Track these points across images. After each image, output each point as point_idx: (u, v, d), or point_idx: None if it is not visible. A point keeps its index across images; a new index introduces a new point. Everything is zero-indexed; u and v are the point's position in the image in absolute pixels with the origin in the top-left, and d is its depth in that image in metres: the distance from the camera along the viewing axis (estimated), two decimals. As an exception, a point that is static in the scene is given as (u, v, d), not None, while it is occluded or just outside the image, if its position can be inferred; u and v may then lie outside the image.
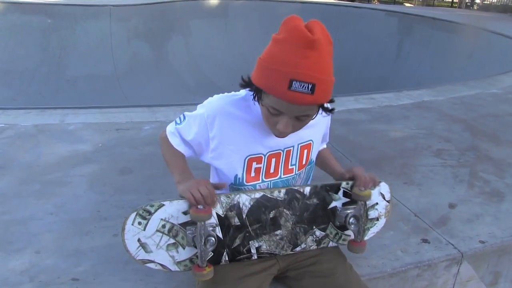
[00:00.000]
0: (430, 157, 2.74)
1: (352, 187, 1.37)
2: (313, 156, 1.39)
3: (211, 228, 1.22)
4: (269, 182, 1.32)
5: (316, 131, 1.37)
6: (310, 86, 1.02)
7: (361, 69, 9.73)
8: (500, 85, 4.76)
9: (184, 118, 1.33)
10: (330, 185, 1.37)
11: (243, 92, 1.28)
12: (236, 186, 1.31)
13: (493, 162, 2.68)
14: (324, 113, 1.18)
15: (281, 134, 1.16)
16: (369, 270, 1.62)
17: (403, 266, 1.66)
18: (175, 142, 1.34)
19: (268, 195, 1.29)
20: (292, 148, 1.31)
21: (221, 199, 1.25)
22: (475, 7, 18.35)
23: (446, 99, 4.14)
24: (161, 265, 1.25)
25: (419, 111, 3.77)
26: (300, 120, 1.12)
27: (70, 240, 1.75)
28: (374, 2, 20.94)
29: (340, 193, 1.38)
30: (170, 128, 1.37)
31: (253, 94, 1.15)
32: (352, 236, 1.40)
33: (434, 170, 2.53)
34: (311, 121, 1.30)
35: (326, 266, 1.35)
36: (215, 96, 1.30)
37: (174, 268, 1.26)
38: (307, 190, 1.34)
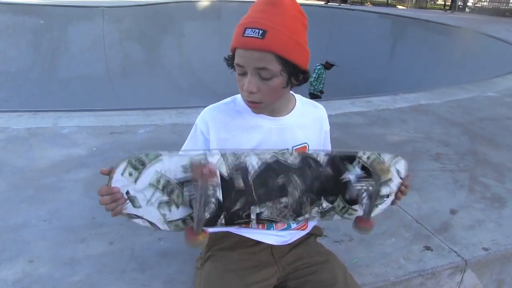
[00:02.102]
0: (429, 161, 2.73)
1: (372, 162, 1.30)
2: None
3: (211, 189, 1.10)
4: None
5: (311, 133, 1.33)
6: (260, 32, 1.07)
7: (354, 71, 9.78)
8: (496, 88, 4.78)
9: None
10: (346, 154, 1.27)
11: (230, 98, 1.28)
12: None
13: (493, 166, 2.67)
14: (294, 80, 1.16)
15: (248, 97, 1.14)
16: (372, 279, 1.59)
17: (406, 275, 1.64)
18: None
19: (281, 160, 1.18)
20: (286, 151, 1.27)
21: (228, 158, 1.13)
22: (467, 9, 18.52)
23: (443, 102, 4.14)
24: (150, 222, 1.10)
25: (416, 114, 3.76)
26: (264, 80, 1.11)
27: (64, 248, 1.70)
28: (367, 5, 21.06)
29: (357, 165, 1.29)
30: None
31: (231, 66, 1.18)
32: (360, 213, 1.31)
33: (433, 175, 2.51)
34: (305, 121, 1.30)
35: (327, 276, 1.32)
36: (204, 110, 1.29)
37: (163, 227, 1.10)
38: (322, 158, 1.24)
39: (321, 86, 8.76)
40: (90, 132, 3.01)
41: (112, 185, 1.03)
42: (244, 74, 1.13)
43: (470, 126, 3.45)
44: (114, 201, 1.03)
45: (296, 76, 1.15)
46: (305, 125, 1.31)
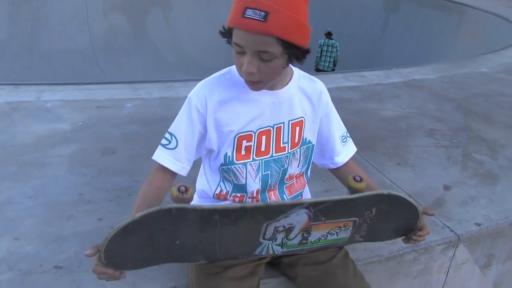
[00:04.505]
0: (423, 137, 2.71)
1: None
2: (307, 135, 1.31)
3: None
4: (260, 161, 1.26)
5: (308, 107, 1.29)
6: (263, 14, 1.00)
7: (346, 45, 9.68)
8: (490, 64, 4.76)
9: (171, 135, 1.23)
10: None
11: (225, 69, 1.24)
12: (226, 166, 1.25)
13: (486, 143, 2.66)
14: (294, 60, 1.11)
15: (248, 76, 1.10)
16: (366, 254, 1.58)
17: (400, 250, 1.63)
18: (176, 167, 1.24)
19: None
20: (282, 124, 1.25)
21: None
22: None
23: (437, 78, 4.12)
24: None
25: (409, 89, 3.73)
26: (264, 61, 1.06)
27: (51, 225, 1.65)
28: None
29: None
30: (164, 161, 1.24)
31: (227, 39, 1.12)
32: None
33: (427, 151, 2.50)
34: (301, 95, 1.26)
35: (322, 252, 1.30)
36: (199, 83, 1.24)
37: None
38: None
39: (326, 62, 8.67)
40: (75, 106, 2.92)
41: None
42: (242, 53, 1.07)
43: (464, 102, 3.43)
44: (112, 277, 1.08)
45: (296, 56, 1.10)
46: (302, 99, 1.27)
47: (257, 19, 1.00)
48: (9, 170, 2.05)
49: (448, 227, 1.78)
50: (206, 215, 1.03)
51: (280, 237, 1.14)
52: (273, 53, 1.05)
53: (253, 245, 1.16)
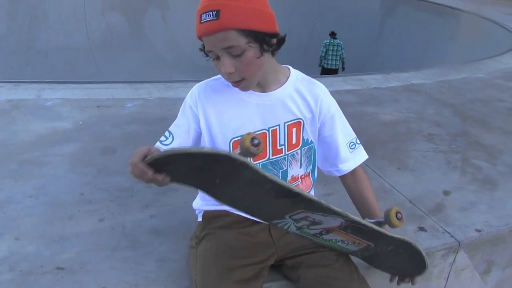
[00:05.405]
0: (422, 141, 2.72)
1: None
2: (307, 136, 1.30)
3: None
4: (257, 165, 1.25)
5: (306, 110, 1.27)
6: (214, 13, 1.05)
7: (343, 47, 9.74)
8: (486, 70, 4.80)
9: (169, 133, 1.28)
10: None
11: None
12: None
13: (484, 148, 2.68)
14: (267, 47, 1.12)
15: (229, 78, 1.14)
16: (367, 259, 1.59)
17: (401, 255, 1.64)
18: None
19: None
20: (277, 127, 1.25)
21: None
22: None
23: (435, 83, 4.14)
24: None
25: (408, 94, 3.75)
26: (236, 56, 1.09)
27: (52, 225, 1.64)
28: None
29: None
30: None
31: (203, 53, 1.17)
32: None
33: (426, 156, 2.51)
34: (298, 96, 1.25)
35: (324, 256, 1.31)
36: (194, 85, 1.28)
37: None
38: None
39: (334, 60, 8.79)
40: (75, 105, 2.91)
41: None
42: (217, 58, 1.11)
43: (461, 107, 3.45)
44: (153, 180, 1.00)
45: (267, 42, 1.12)
46: (299, 101, 1.26)
47: (211, 20, 1.05)
48: (9, 169, 2.04)
49: (449, 233, 1.78)
50: (261, 180, 1.01)
51: (302, 223, 1.16)
52: (239, 46, 1.07)
53: (277, 216, 1.15)
